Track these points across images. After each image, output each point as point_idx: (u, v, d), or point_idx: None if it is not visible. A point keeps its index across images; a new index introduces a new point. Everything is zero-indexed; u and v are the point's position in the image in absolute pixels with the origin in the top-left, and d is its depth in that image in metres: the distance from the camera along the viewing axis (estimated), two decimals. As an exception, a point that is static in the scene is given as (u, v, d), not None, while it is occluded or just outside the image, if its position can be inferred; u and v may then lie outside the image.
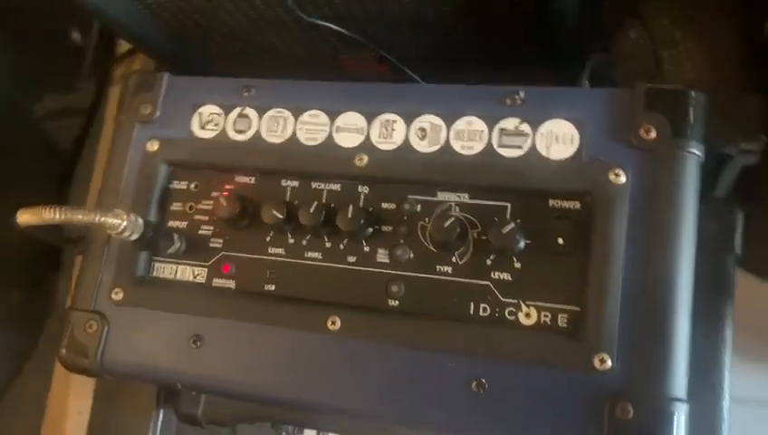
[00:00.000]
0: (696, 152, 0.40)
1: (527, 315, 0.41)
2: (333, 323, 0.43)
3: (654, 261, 0.39)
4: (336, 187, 0.46)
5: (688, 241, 0.40)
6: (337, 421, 0.49)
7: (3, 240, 0.63)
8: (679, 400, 0.37)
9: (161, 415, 0.65)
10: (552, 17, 0.52)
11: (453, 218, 0.42)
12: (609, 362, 0.38)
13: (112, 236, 0.45)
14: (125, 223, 0.43)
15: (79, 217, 0.42)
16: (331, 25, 0.56)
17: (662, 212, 0.40)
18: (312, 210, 0.45)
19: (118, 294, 0.48)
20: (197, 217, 0.49)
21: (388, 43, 0.58)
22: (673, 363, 0.38)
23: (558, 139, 0.43)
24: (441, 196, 0.44)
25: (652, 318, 0.38)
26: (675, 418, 0.37)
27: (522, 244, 0.42)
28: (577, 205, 0.42)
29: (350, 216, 0.44)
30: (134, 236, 0.44)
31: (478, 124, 0.44)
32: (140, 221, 0.45)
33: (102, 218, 0.42)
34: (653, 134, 0.41)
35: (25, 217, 0.42)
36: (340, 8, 0.55)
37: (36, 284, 0.87)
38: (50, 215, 0.41)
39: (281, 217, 0.45)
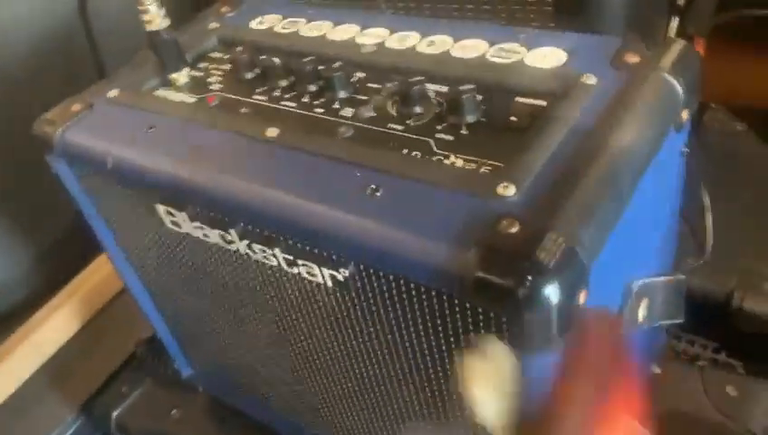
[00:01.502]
0: (671, 79, 0.40)
1: (452, 164, 0.39)
2: (272, 133, 0.43)
3: (593, 140, 0.36)
4: (337, 64, 0.49)
5: (638, 143, 0.37)
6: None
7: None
8: (565, 238, 0.31)
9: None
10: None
11: (419, 88, 0.43)
12: (513, 190, 0.34)
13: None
14: (151, 3, 0.49)
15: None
16: None
17: (620, 114, 0.38)
18: (305, 65, 0.48)
19: (113, 93, 0.52)
20: (215, 69, 0.54)
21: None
22: (572, 213, 0.33)
23: (545, 56, 0.44)
24: (418, 84, 0.45)
25: (570, 177, 0.35)
26: (554, 249, 0.31)
27: (473, 118, 0.41)
28: (543, 103, 0.41)
29: (335, 77, 0.46)
30: (155, 26, 0.49)
31: (481, 43, 0.47)
32: (167, 21, 0.50)
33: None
34: (635, 59, 0.41)
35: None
36: None
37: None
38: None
39: (278, 62, 0.48)
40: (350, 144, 0.42)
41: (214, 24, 0.58)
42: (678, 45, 0.42)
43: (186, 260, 0.51)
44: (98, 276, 0.89)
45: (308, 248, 0.40)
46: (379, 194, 0.37)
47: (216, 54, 0.56)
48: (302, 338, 0.49)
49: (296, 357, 0.52)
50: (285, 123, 0.45)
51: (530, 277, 0.31)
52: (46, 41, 0.88)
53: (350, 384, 0.49)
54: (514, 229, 0.32)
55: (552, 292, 0.31)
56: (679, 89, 0.40)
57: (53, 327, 0.87)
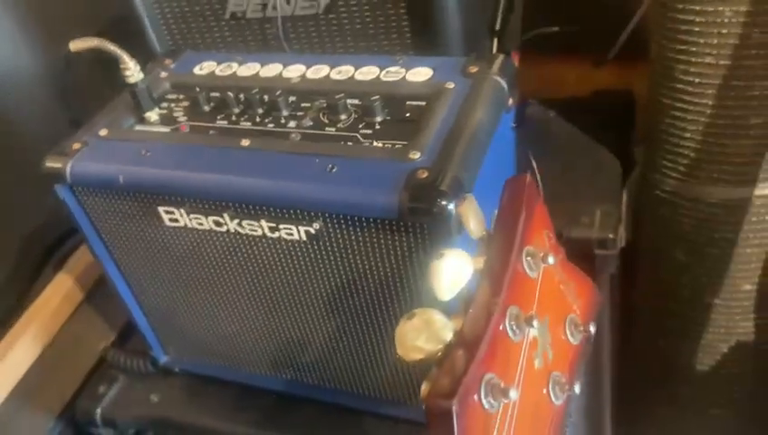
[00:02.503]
0: (499, 79, 0.64)
1: (377, 146, 0.60)
2: (245, 142, 0.62)
3: (459, 121, 0.60)
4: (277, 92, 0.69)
5: (485, 120, 0.61)
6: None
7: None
8: (452, 176, 0.54)
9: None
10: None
11: (342, 102, 0.64)
12: (418, 154, 0.56)
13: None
14: (132, 65, 0.66)
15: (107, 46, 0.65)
16: None
17: (472, 104, 0.61)
18: (253, 94, 0.67)
19: (103, 131, 0.68)
20: (177, 106, 0.71)
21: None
22: (454, 163, 0.55)
23: (419, 73, 0.67)
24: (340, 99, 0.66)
25: (450, 143, 0.57)
26: (447, 182, 0.53)
27: (381, 117, 0.63)
28: (423, 103, 0.64)
29: (278, 100, 0.66)
30: (134, 79, 0.67)
31: (375, 69, 0.69)
32: (141, 75, 0.68)
33: (120, 53, 0.65)
34: (475, 69, 0.65)
35: (77, 45, 0.65)
36: None
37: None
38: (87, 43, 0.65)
39: (229, 94, 0.67)
40: (304, 143, 0.62)
41: (164, 74, 0.75)
42: (501, 57, 0.66)
43: (179, 250, 0.68)
44: (54, 299, 1.00)
45: (287, 214, 0.59)
46: (335, 170, 0.57)
47: (173, 96, 0.73)
48: (281, 293, 0.67)
49: (275, 313, 0.70)
50: (251, 136, 0.64)
51: (438, 200, 0.52)
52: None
53: (321, 324, 0.69)
54: (425, 175, 0.54)
55: (449, 205, 0.53)
56: (505, 85, 0.64)
57: (18, 352, 0.97)
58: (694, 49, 0.80)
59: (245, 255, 0.65)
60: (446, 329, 0.31)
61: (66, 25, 1.08)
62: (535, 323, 0.34)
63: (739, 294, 0.93)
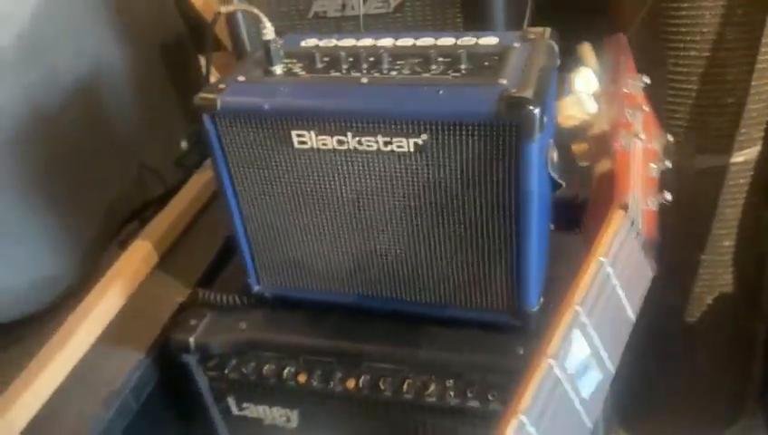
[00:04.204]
0: (551, 42, 0.85)
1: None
2: (364, 80, 0.81)
3: (529, 64, 0.80)
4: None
5: (547, 66, 0.82)
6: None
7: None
8: (539, 98, 0.74)
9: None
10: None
11: (434, 55, 0.84)
12: (506, 81, 0.76)
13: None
14: (268, 25, 0.85)
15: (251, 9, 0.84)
16: None
17: (537, 55, 0.82)
18: (360, 52, 0.86)
19: (241, 78, 0.86)
20: (294, 66, 0.90)
21: None
22: (533, 87, 0.75)
23: (488, 40, 0.88)
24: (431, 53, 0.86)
25: (524, 76, 0.78)
26: (534, 97, 0.73)
27: (465, 66, 0.83)
28: (496, 57, 0.84)
29: (382, 54, 0.86)
30: (269, 36, 0.85)
31: (451, 39, 0.90)
32: (274, 34, 0.86)
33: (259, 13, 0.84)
34: (533, 36, 0.86)
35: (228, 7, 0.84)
36: None
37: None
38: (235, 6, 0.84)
39: (342, 54, 0.87)
40: (412, 78, 0.81)
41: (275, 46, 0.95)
42: (549, 29, 0.88)
43: (301, 171, 0.85)
44: (136, 259, 1.14)
45: (400, 129, 0.78)
46: (441, 93, 0.77)
47: (288, 60, 0.92)
48: (386, 207, 0.84)
49: (376, 229, 0.86)
50: (367, 77, 0.83)
51: (527, 106, 0.72)
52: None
53: (419, 234, 0.85)
54: (513, 90, 0.74)
55: (536, 111, 0.72)
56: (555, 46, 0.86)
57: (106, 302, 1.09)
58: (681, 45, 1.04)
59: (360, 170, 0.82)
60: (591, 102, 0.50)
61: (148, 23, 1.28)
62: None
63: (721, 249, 1.14)
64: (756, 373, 1.28)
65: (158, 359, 1.04)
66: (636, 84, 0.54)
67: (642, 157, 0.52)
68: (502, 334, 0.90)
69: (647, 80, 0.57)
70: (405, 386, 0.92)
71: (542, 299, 0.89)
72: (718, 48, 1.01)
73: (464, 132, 0.76)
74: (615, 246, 0.44)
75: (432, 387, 0.91)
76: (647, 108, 0.57)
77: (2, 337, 1.00)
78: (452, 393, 0.91)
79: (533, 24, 1.20)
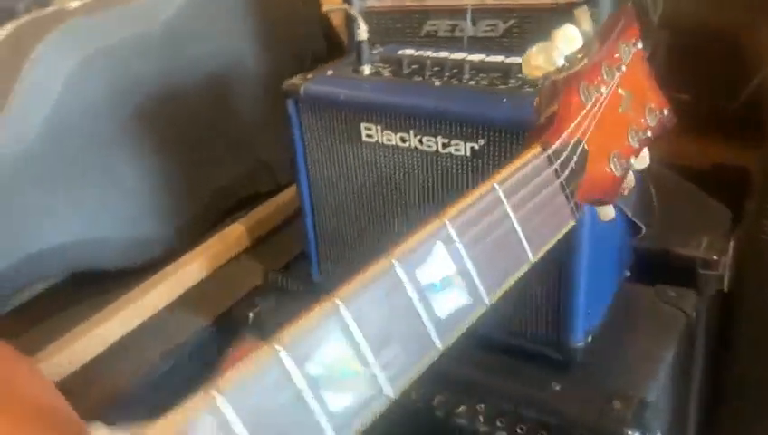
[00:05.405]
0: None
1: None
2: (437, 83, 0.83)
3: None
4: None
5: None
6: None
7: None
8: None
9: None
10: None
11: (515, 70, 0.84)
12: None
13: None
14: (363, 26, 0.90)
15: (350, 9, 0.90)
16: None
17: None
18: (443, 62, 0.89)
19: (330, 72, 0.92)
20: (383, 69, 0.94)
21: None
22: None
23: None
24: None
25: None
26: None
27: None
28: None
29: (464, 65, 0.87)
30: (362, 38, 0.90)
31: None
32: (368, 35, 0.91)
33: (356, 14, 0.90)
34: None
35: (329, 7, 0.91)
36: None
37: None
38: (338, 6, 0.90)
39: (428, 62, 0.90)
40: (483, 86, 0.82)
41: (374, 51, 1.00)
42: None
43: (366, 163, 0.88)
44: (230, 238, 1.23)
45: (459, 132, 0.78)
46: (505, 101, 0.77)
47: (380, 64, 0.97)
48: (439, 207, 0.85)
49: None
50: (441, 81, 0.85)
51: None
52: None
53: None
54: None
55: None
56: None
57: (190, 269, 1.18)
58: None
59: (419, 170, 0.84)
60: (559, 56, 0.48)
61: (287, 34, 1.39)
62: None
63: None
64: None
65: (222, 329, 1.10)
66: (627, 49, 0.51)
67: (612, 115, 0.48)
68: (541, 367, 0.85)
69: (640, 45, 0.53)
70: (435, 401, 0.90)
71: (590, 338, 0.84)
72: None
73: (520, 141, 0.75)
74: (517, 176, 0.41)
75: (461, 408, 0.88)
76: (627, 69, 0.52)
77: (89, 286, 1.11)
78: (481, 419, 0.87)
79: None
